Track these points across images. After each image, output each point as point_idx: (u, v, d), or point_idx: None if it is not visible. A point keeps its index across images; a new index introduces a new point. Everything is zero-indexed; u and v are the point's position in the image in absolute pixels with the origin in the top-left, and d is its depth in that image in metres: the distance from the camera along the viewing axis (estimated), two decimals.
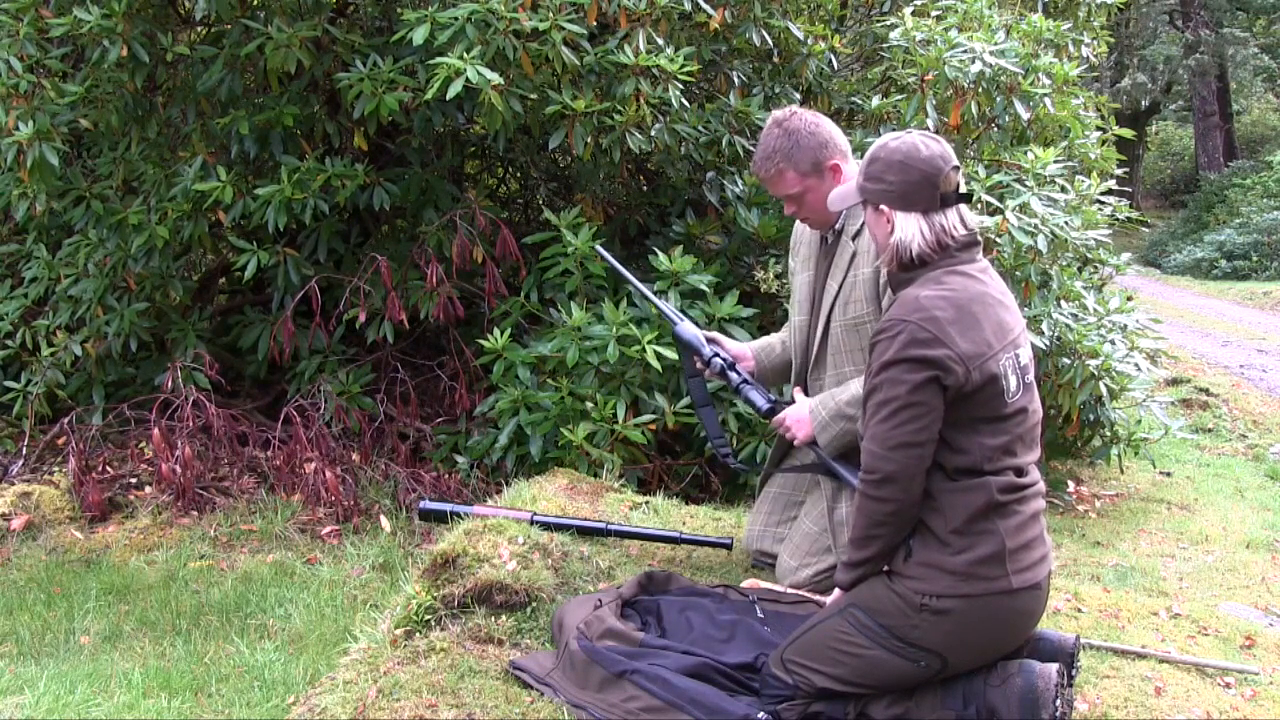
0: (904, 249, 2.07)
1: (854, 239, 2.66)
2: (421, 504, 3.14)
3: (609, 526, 2.91)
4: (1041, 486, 2.14)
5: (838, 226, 2.71)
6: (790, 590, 2.66)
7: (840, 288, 2.68)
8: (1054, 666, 2.04)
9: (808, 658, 2.11)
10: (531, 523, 2.82)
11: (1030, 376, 2.09)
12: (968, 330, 1.97)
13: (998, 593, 1.98)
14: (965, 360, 1.95)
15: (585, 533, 2.89)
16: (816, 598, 2.58)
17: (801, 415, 2.67)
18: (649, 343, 4.11)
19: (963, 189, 2.14)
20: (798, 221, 2.96)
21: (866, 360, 2.20)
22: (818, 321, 2.74)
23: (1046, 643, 2.18)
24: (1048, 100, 4.58)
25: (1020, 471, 2.05)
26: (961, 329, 1.97)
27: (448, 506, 2.98)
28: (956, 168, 2.10)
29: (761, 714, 2.10)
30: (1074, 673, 2.18)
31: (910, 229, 2.06)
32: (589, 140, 4.32)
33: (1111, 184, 4.89)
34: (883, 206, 2.11)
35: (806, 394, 2.79)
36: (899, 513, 2.00)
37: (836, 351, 2.71)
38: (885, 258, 2.15)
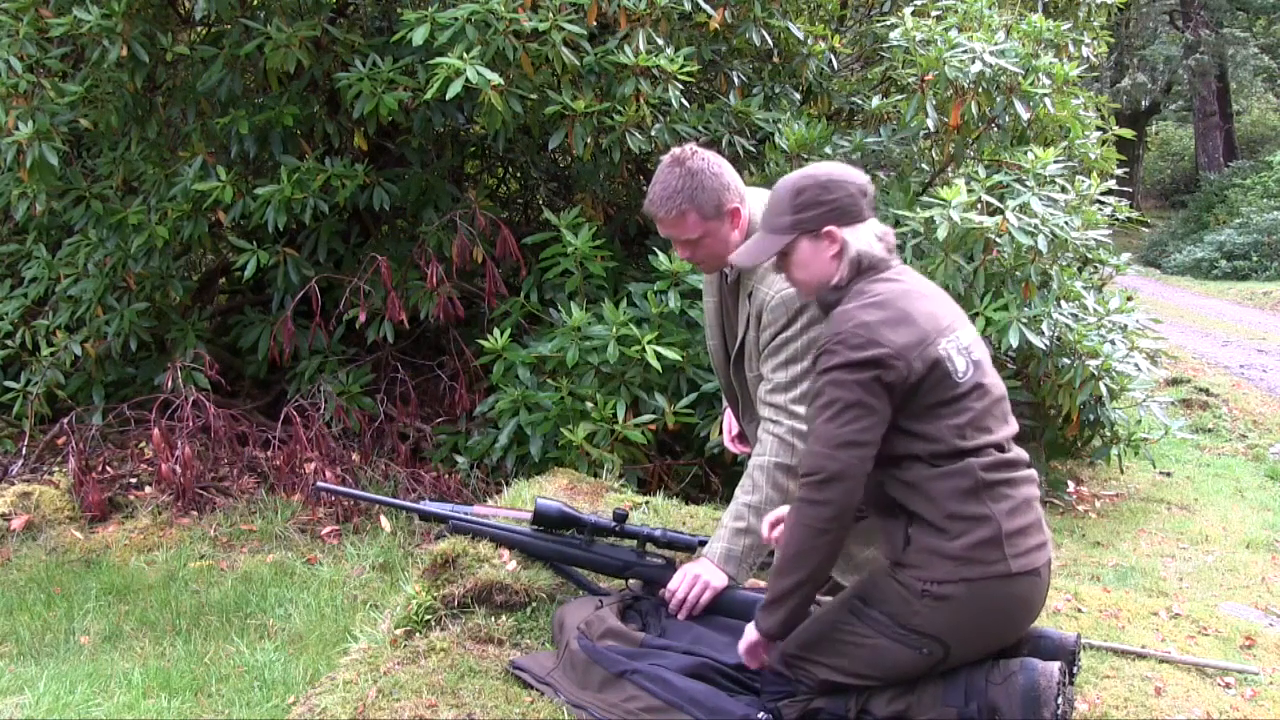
0: (868, 257, 2.10)
1: (748, 298, 2.56)
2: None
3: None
4: (1033, 473, 2.14)
5: (731, 275, 2.62)
6: None
7: (742, 343, 2.62)
8: (1056, 665, 2.04)
9: (809, 651, 2.10)
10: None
11: (978, 354, 2.09)
12: (899, 326, 2.00)
13: (996, 576, 1.98)
14: (903, 353, 1.97)
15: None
16: (823, 596, 2.58)
17: (700, 567, 2.44)
18: (649, 343, 4.11)
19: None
20: None
21: None
22: (730, 361, 2.69)
23: (1048, 641, 2.18)
24: (1048, 100, 4.58)
25: (1000, 448, 2.06)
26: (893, 326, 1.99)
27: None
28: (869, 181, 2.17)
29: (762, 714, 2.10)
30: (1075, 672, 2.18)
31: (866, 237, 2.11)
32: (589, 140, 4.32)
33: (1111, 184, 4.89)
34: (829, 229, 2.11)
35: (744, 434, 2.73)
36: (839, 518, 1.98)
37: (755, 401, 2.63)
38: (839, 276, 2.12)
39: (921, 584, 1.98)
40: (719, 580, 2.42)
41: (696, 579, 2.42)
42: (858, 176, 2.15)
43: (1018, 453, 2.11)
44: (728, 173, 2.52)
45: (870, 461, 1.99)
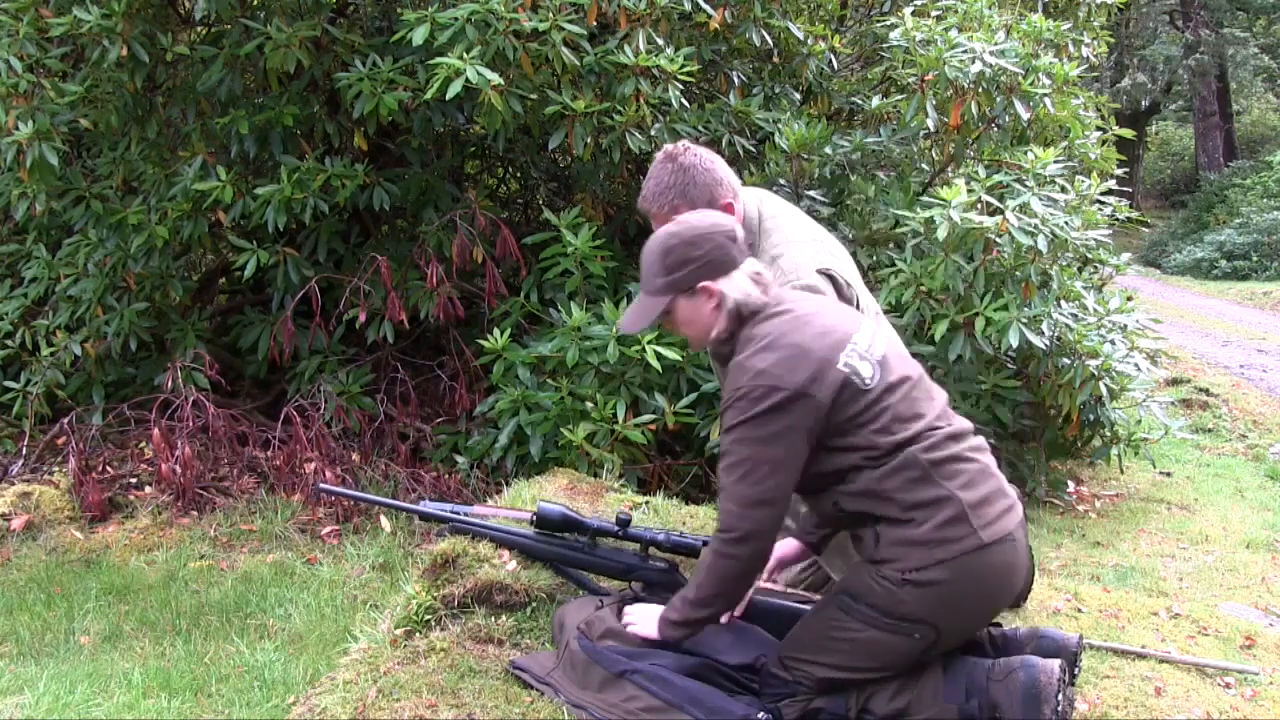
0: (746, 305, 2.12)
1: None
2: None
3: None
4: (980, 441, 2.15)
5: None
6: (789, 590, 2.66)
7: None
8: (1056, 662, 2.04)
9: (804, 651, 2.12)
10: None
11: (881, 349, 2.10)
12: (795, 362, 2.01)
13: (971, 550, 1.98)
14: (806, 389, 1.98)
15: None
16: (813, 595, 2.58)
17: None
18: (649, 343, 4.11)
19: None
20: None
21: None
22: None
23: (1049, 641, 2.19)
24: (1048, 100, 4.58)
25: (935, 426, 2.07)
26: (789, 365, 2.00)
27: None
28: (736, 224, 2.17)
29: (762, 714, 2.10)
30: (1076, 673, 2.18)
31: (743, 284, 2.12)
32: (589, 140, 4.32)
33: (1111, 184, 4.88)
34: (702, 284, 2.12)
35: None
36: (749, 572, 2.08)
37: None
38: (721, 327, 2.14)
39: (901, 574, 2.00)
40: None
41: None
42: (723, 223, 2.16)
43: (958, 424, 2.13)
44: (720, 168, 2.54)
45: (782, 515, 2.06)
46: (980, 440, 2.16)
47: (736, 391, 2.02)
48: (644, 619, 2.25)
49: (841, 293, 2.56)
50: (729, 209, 2.53)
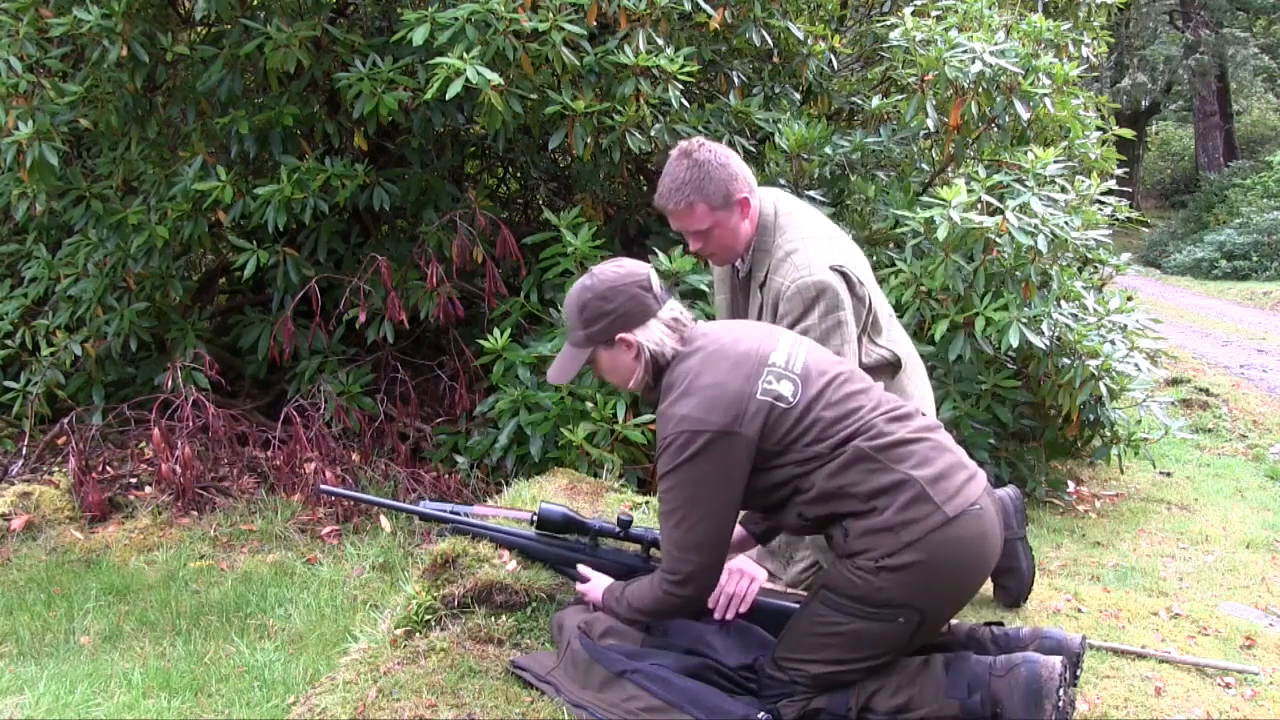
0: (661, 356, 2.15)
1: (760, 288, 2.60)
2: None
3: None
4: (928, 419, 2.17)
5: (744, 269, 2.65)
6: (789, 590, 2.67)
7: None
8: (1058, 659, 2.05)
9: (796, 650, 2.13)
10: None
11: (798, 360, 2.12)
12: (715, 403, 2.03)
13: (938, 526, 1.99)
14: (729, 427, 2.02)
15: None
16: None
17: (738, 564, 2.48)
18: None
19: (660, 286, 2.21)
20: None
21: None
22: None
23: (1052, 641, 2.19)
24: (1048, 100, 4.58)
25: (872, 415, 2.08)
26: (709, 406, 2.03)
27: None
28: (650, 269, 2.21)
29: (761, 714, 2.11)
30: (1078, 672, 2.18)
31: (657, 336, 2.15)
32: (589, 140, 4.32)
33: (1111, 184, 4.88)
34: (620, 336, 2.15)
35: None
36: (689, 608, 2.18)
37: None
38: (637, 378, 2.19)
39: (874, 562, 2.01)
40: (761, 574, 2.46)
41: (741, 573, 2.46)
42: (637, 272, 2.18)
43: (896, 405, 2.14)
44: (735, 163, 2.55)
45: (724, 552, 2.12)
46: (927, 419, 2.17)
47: (663, 440, 2.06)
48: (596, 587, 2.36)
49: (854, 291, 2.56)
50: (745, 204, 2.55)
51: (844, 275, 2.54)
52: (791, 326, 2.49)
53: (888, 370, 2.70)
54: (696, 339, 2.17)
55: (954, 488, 2.03)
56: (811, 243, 2.59)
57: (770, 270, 2.56)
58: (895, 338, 2.75)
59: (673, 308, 2.19)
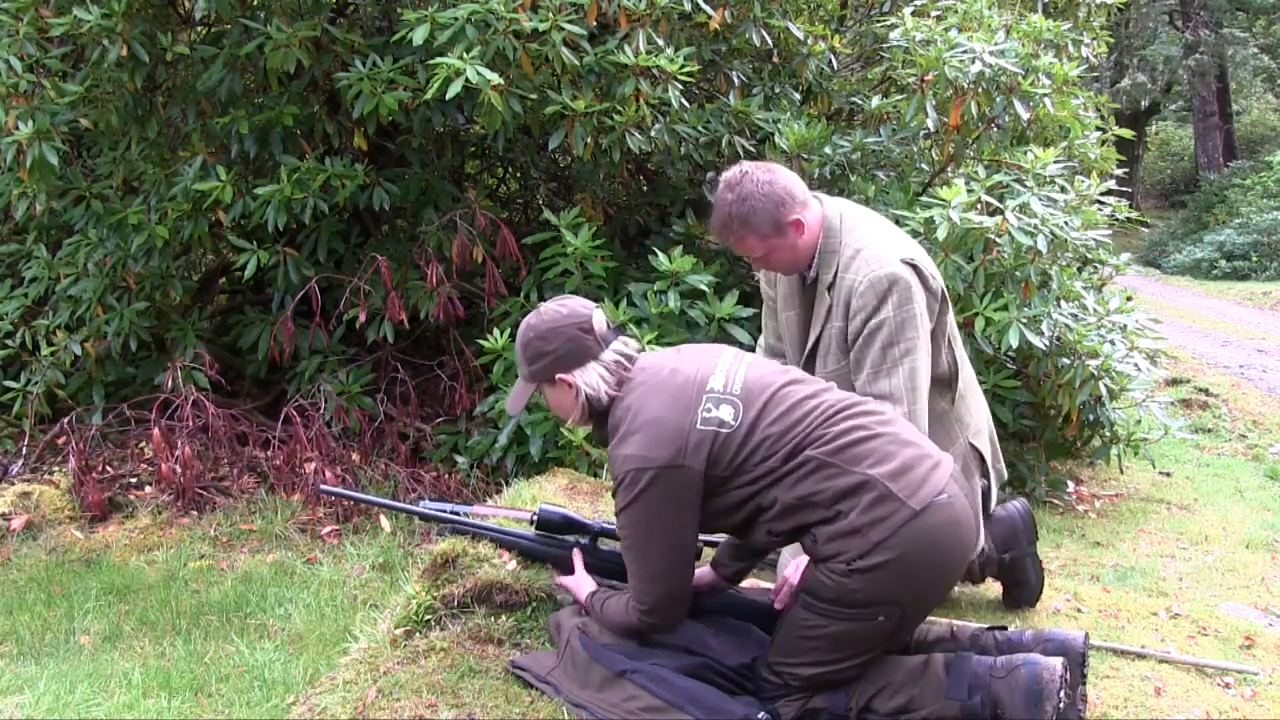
0: (596, 400, 2.18)
1: (829, 290, 2.61)
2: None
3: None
4: (879, 409, 2.16)
5: (811, 274, 2.66)
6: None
7: (819, 340, 2.66)
8: (1059, 660, 2.05)
9: (785, 654, 2.15)
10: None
11: (738, 379, 2.13)
12: (656, 439, 2.06)
13: (906, 521, 1.99)
14: (672, 462, 2.04)
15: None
16: None
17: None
18: (649, 343, 4.11)
19: (607, 326, 2.24)
20: None
21: None
22: (803, 359, 2.72)
23: (1054, 643, 2.19)
24: (1048, 100, 4.58)
25: (822, 419, 2.08)
26: (651, 444, 2.06)
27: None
28: (595, 309, 2.24)
29: (762, 714, 2.11)
30: (1085, 672, 2.19)
31: (593, 379, 2.18)
32: (589, 140, 4.32)
33: (1111, 184, 4.88)
34: (559, 376, 2.20)
35: None
36: (660, 631, 2.21)
37: None
38: (575, 418, 2.24)
39: (847, 565, 2.01)
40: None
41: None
42: (579, 313, 2.21)
43: (848, 405, 2.13)
44: (781, 185, 2.55)
45: (688, 582, 2.16)
46: (881, 408, 2.18)
47: (616, 480, 2.10)
48: (579, 585, 2.39)
49: (927, 284, 2.58)
50: (798, 225, 2.55)
51: (915, 268, 2.56)
52: (866, 321, 2.52)
53: (944, 387, 2.69)
54: (635, 376, 2.19)
55: (918, 480, 2.03)
56: (880, 238, 2.61)
57: (840, 269, 2.58)
58: (959, 356, 2.76)
59: (617, 348, 2.21)
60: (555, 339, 2.20)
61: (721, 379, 2.13)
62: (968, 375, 2.83)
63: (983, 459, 2.79)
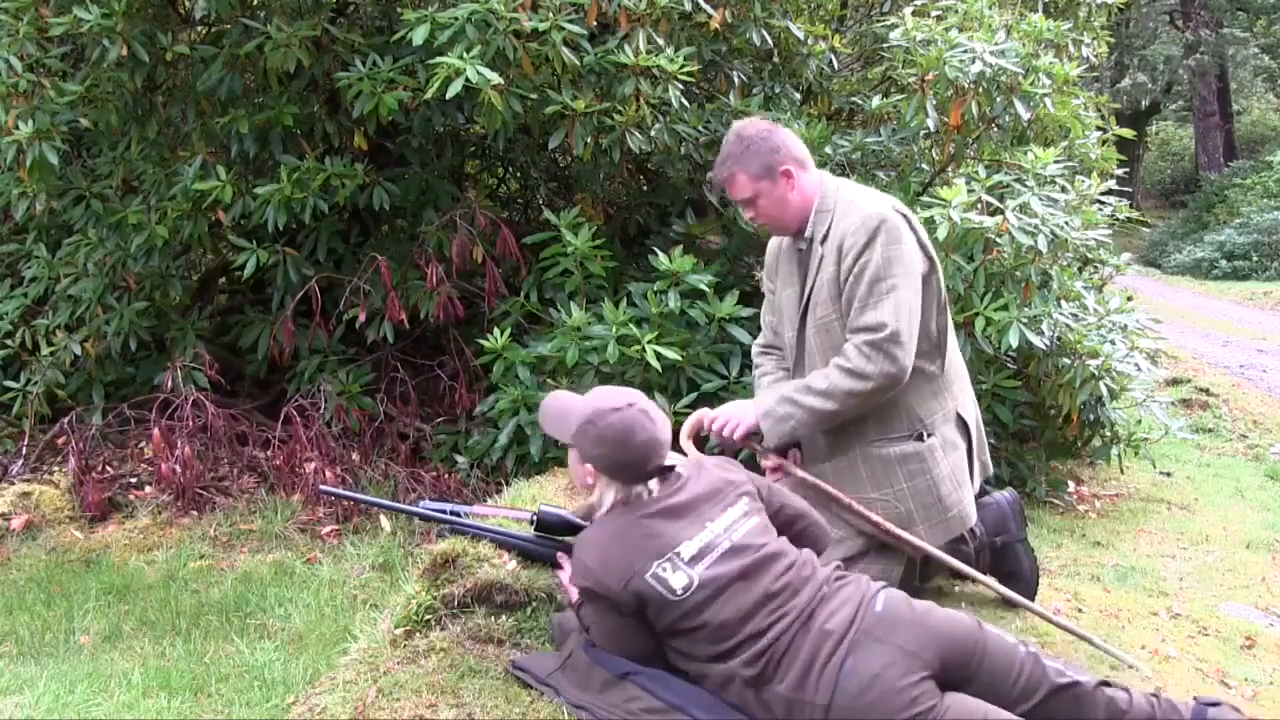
0: (599, 506, 2.25)
1: (822, 243, 2.73)
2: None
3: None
4: (815, 584, 2.17)
5: (808, 234, 2.77)
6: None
7: (810, 292, 2.75)
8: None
9: None
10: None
11: (712, 558, 2.13)
12: (612, 565, 2.12)
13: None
14: (613, 592, 2.11)
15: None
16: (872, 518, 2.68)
17: (742, 405, 2.73)
18: (649, 343, 4.11)
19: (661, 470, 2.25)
20: (770, 242, 3.03)
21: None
22: (798, 331, 2.81)
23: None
24: (1048, 100, 4.57)
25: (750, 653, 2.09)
26: (605, 570, 2.12)
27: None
28: (664, 451, 2.24)
29: None
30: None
31: (608, 498, 2.23)
32: (589, 140, 4.32)
33: (1111, 184, 4.87)
34: (588, 464, 2.25)
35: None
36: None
37: (810, 354, 2.77)
38: (587, 499, 2.33)
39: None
40: (749, 421, 2.72)
41: (730, 416, 2.73)
42: (648, 452, 2.20)
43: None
44: (780, 139, 2.74)
45: (641, 647, 2.19)
46: (815, 582, 2.16)
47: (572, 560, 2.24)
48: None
49: (917, 235, 2.71)
50: (788, 175, 2.72)
51: (905, 218, 2.70)
52: (856, 259, 2.62)
53: (934, 351, 2.76)
54: (658, 498, 2.24)
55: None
56: (876, 194, 2.80)
57: (834, 223, 2.71)
58: (948, 328, 2.85)
59: (651, 485, 2.23)
60: (620, 452, 2.20)
61: (698, 544, 2.15)
62: (954, 354, 2.89)
63: (967, 429, 2.85)
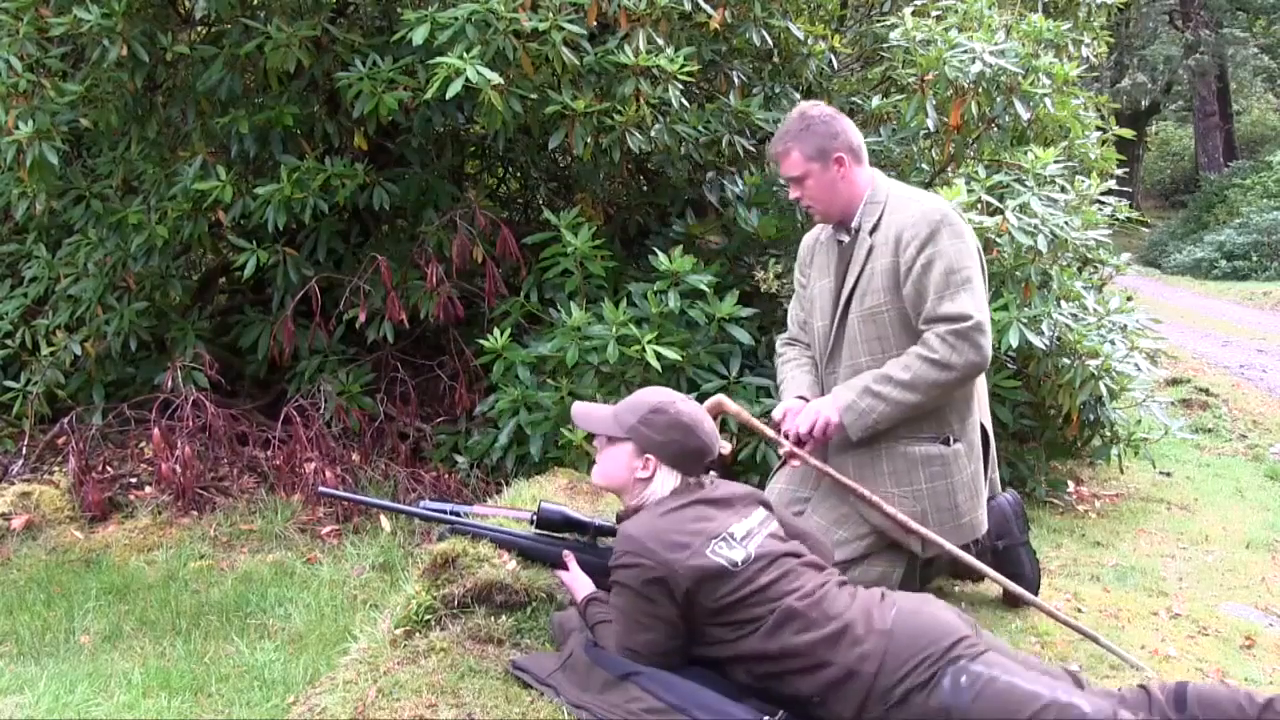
0: (650, 497, 2.28)
1: (871, 234, 2.75)
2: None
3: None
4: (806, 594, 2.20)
5: (854, 225, 2.79)
6: None
7: (857, 281, 2.76)
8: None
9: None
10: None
11: (756, 542, 2.21)
12: (674, 542, 2.15)
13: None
14: (672, 570, 2.12)
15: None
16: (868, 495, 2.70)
17: (822, 403, 2.71)
18: (649, 343, 4.11)
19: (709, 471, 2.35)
20: (805, 236, 3.04)
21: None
22: (835, 320, 2.81)
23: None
24: (1048, 100, 4.58)
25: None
26: (667, 548, 2.14)
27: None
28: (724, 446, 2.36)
29: (766, 717, 2.10)
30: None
31: (666, 486, 2.28)
32: (589, 140, 4.32)
33: (1111, 184, 4.88)
34: (649, 455, 2.28)
35: (822, 392, 2.83)
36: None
37: (852, 343, 2.77)
38: (618, 488, 2.34)
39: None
40: (836, 418, 2.67)
41: (818, 414, 2.68)
42: (713, 443, 2.30)
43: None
44: (841, 127, 2.78)
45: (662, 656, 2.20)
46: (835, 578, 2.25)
47: (614, 557, 2.22)
48: (576, 584, 2.42)
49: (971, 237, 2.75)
50: (840, 162, 2.75)
51: (960, 219, 2.73)
52: (921, 249, 2.64)
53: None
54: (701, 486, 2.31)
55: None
56: (930, 194, 2.86)
57: (884, 215, 2.74)
58: None
59: (704, 479, 2.31)
60: (688, 440, 2.28)
61: (743, 526, 2.24)
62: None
63: (986, 441, 2.89)
